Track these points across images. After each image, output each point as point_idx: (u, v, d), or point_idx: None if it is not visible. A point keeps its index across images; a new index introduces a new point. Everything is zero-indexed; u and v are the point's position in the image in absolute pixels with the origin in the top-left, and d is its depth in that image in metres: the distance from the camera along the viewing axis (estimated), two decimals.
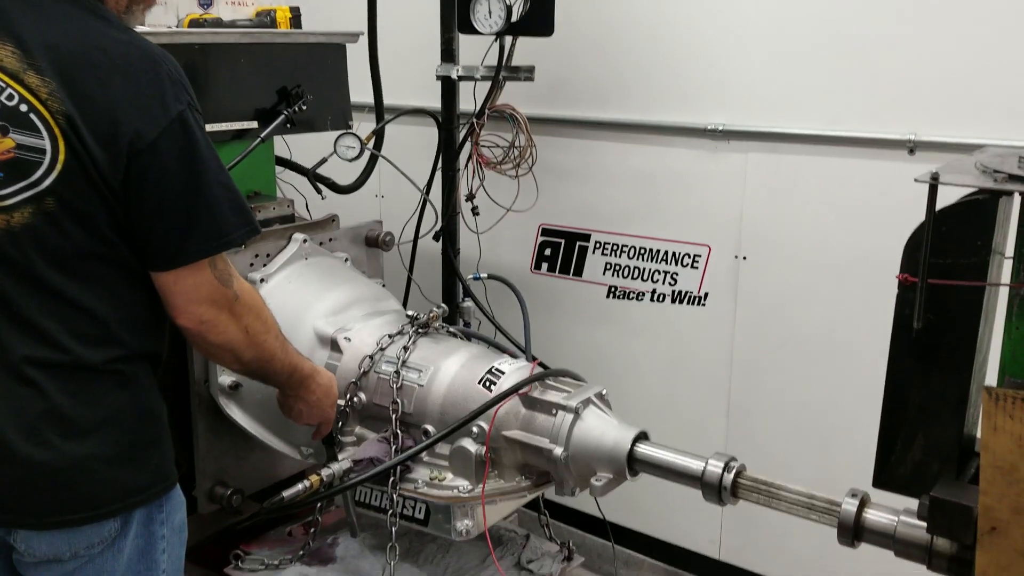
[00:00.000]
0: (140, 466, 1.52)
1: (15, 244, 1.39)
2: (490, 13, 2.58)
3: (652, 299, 3.12)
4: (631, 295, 3.17)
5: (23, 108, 1.36)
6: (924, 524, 1.43)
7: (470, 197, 2.91)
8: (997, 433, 1.28)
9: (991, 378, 1.41)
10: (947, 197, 1.35)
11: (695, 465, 1.71)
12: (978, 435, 1.43)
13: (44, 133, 1.36)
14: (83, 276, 1.43)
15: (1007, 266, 1.39)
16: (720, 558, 3.06)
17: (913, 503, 1.47)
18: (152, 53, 1.44)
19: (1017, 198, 1.30)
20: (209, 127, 2.27)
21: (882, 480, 1.48)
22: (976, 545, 1.32)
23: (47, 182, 1.37)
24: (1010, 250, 1.34)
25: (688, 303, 3.04)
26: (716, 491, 1.68)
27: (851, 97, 2.59)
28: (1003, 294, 1.39)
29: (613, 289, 3.21)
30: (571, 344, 3.30)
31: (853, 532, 1.54)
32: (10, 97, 1.35)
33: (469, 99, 2.86)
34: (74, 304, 1.43)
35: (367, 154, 2.72)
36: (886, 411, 1.46)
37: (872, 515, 1.53)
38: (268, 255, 2.26)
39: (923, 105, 2.48)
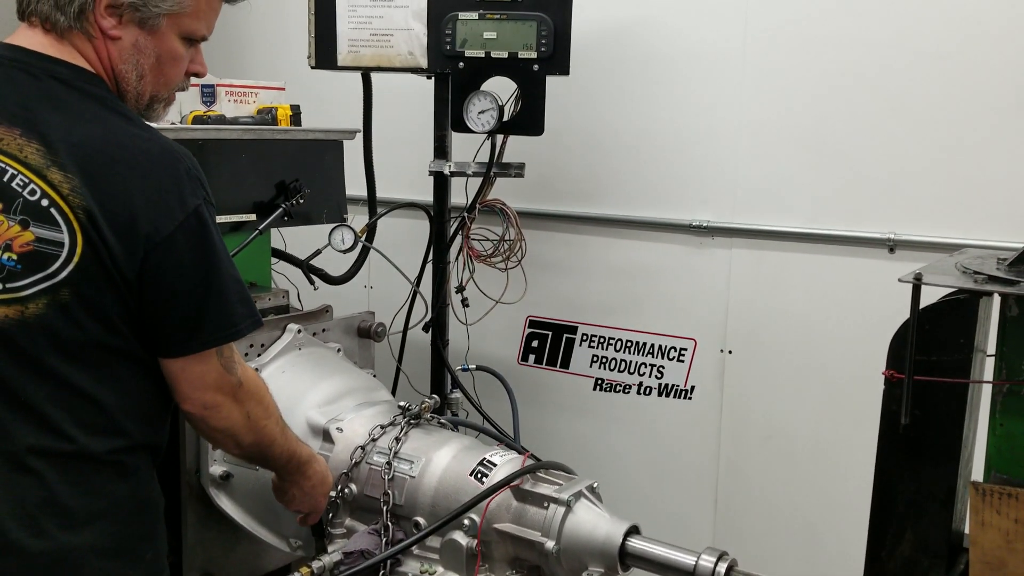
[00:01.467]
0: (134, 560, 1.52)
1: (27, 334, 1.41)
2: (482, 113, 2.67)
3: (639, 392, 3.15)
4: (618, 388, 3.20)
5: (44, 203, 1.40)
6: None
7: (460, 289, 2.95)
8: (985, 528, 1.30)
9: (977, 473, 1.44)
10: (930, 296, 1.40)
11: (687, 560, 1.71)
12: (966, 531, 1.46)
13: (63, 227, 1.40)
14: (92, 366, 1.45)
15: (989, 363, 1.44)
16: None
17: None
18: (171, 149, 1.50)
19: (997, 298, 1.36)
20: None
21: None
22: None
23: (63, 274, 1.41)
24: (991, 348, 1.38)
25: (675, 396, 3.07)
26: None
27: (832, 196, 2.68)
28: (986, 390, 1.43)
29: (600, 381, 3.24)
30: (558, 436, 3.30)
31: None
32: (32, 192, 1.40)
33: (460, 193, 2.93)
34: (82, 393, 1.44)
35: (359, 246, 2.78)
36: (875, 506, 1.48)
37: None
38: (263, 345, 2.28)
39: (902, 205, 2.57)
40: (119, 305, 1.45)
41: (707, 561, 1.68)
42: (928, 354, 1.39)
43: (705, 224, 2.90)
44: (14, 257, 1.40)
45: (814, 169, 2.71)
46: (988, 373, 1.44)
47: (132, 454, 1.51)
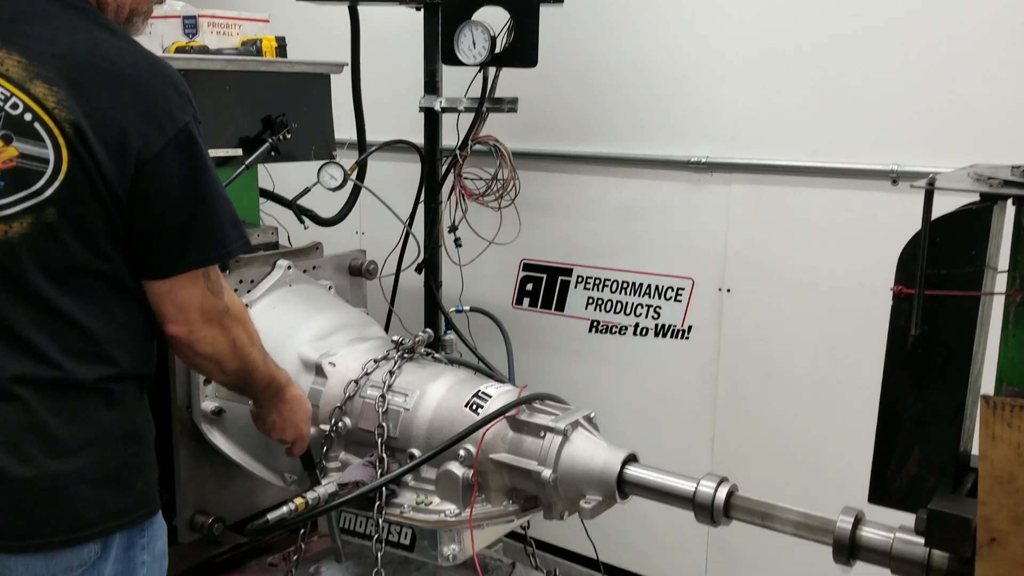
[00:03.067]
0: (124, 489, 1.48)
1: (11, 255, 1.36)
2: (474, 44, 2.59)
3: (635, 333, 3.11)
4: (614, 329, 3.16)
5: (27, 117, 1.34)
6: (921, 540, 1.41)
7: (452, 228, 2.90)
8: (995, 442, 1.27)
9: (987, 390, 1.40)
10: (939, 212, 1.35)
11: (686, 486, 1.69)
12: (974, 450, 1.43)
13: (48, 142, 1.35)
14: (77, 291, 1.41)
15: (1000, 280, 1.40)
16: None
17: (909, 521, 1.46)
18: (159, 64, 1.45)
19: (1010, 208, 1.31)
20: None
21: (877, 495, 1.46)
22: (975, 557, 1.30)
23: (49, 192, 1.36)
24: (1005, 259, 1.34)
25: (672, 337, 3.04)
26: (708, 512, 1.65)
27: (834, 128, 2.63)
28: (998, 306, 1.39)
29: (595, 324, 3.20)
30: (553, 379, 3.27)
31: (848, 550, 1.51)
32: (15, 106, 1.34)
33: (452, 135, 2.87)
34: (67, 319, 1.40)
35: (349, 186, 2.71)
36: (881, 425, 1.45)
37: (867, 532, 1.51)
38: (252, 281, 2.23)
39: (905, 136, 2.52)
40: (106, 225, 1.40)
41: (707, 487, 1.66)
42: (938, 267, 1.34)
43: (704, 160, 2.85)
44: None
45: (814, 101, 2.65)
46: (999, 287, 1.40)
47: (119, 383, 1.47)
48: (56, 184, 1.36)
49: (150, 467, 1.55)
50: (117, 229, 1.42)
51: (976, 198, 1.33)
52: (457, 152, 2.79)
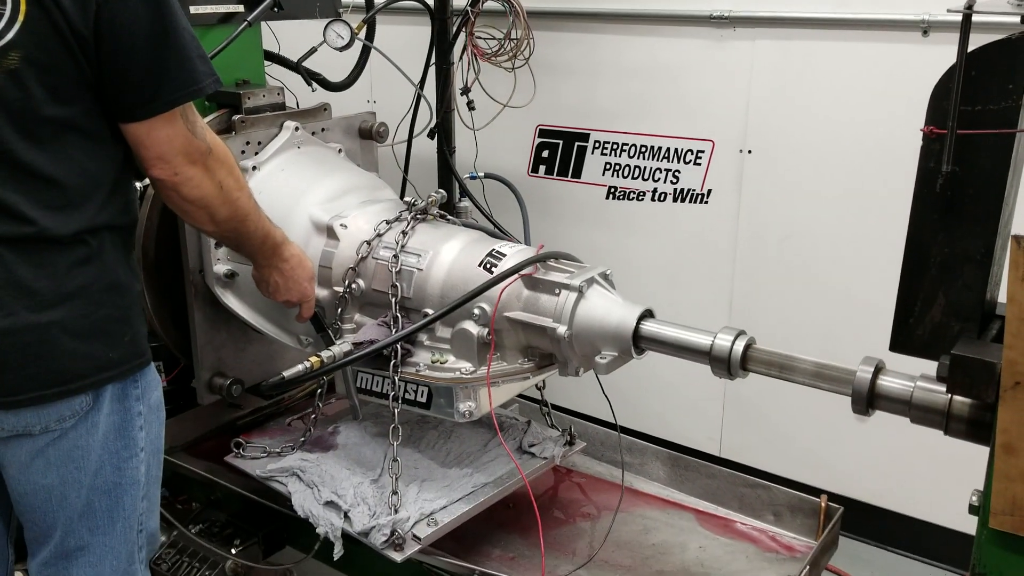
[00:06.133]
0: (111, 341, 1.48)
1: None
2: None
3: (653, 199, 3.06)
4: (631, 195, 3.10)
5: None
6: (942, 388, 1.39)
7: (465, 91, 2.82)
8: None
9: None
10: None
11: (703, 339, 1.66)
12: (1000, 299, 1.38)
13: None
14: (47, 143, 1.38)
15: None
16: (720, 455, 3.05)
17: (930, 372, 1.43)
18: None
19: None
20: (194, 9, 2.18)
21: (899, 343, 1.43)
22: (998, 402, 1.28)
23: (9, 35, 1.31)
24: None
25: (690, 201, 2.98)
26: (725, 364, 1.62)
27: None
28: None
29: (613, 190, 3.14)
30: (570, 247, 3.16)
31: (867, 400, 1.49)
32: None
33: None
34: (39, 174, 1.37)
35: (358, 48, 2.61)
36: (906, 271, 1.40)
37: (887, 381, 1.48)
38: (259, 143, 2.18)
39: None
40: (73, 67, 1.36)
41: (724, 340, 1.63)
42: (972, 103, 1.27)
43: (726, 14, 2.72)
44: None
45: None
46: None
47: (95, 235, 1.45)
48: (16, 27, 1.30)
49: (137, 320, 1.55)
50: (84, 71, 1.38)
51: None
52: (468, 9, 2.68)
